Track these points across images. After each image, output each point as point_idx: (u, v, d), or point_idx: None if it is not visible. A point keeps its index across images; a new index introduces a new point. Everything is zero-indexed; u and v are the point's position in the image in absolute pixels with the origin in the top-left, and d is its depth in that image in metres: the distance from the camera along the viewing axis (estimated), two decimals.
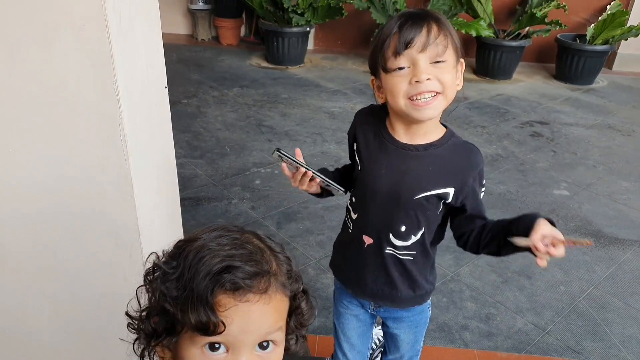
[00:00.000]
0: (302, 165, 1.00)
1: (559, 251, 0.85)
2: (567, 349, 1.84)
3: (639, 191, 2.89)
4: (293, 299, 0.61)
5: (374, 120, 1.05)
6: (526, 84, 4.62)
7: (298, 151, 1.03)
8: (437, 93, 0.91)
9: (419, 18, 0.90)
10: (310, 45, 5.08)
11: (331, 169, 1.20)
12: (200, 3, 5.08)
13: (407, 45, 0.89)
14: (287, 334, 0.63)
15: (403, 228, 1.03)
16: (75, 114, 0.97)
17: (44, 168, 1.03)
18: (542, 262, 0.87)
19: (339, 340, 1.26)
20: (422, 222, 1.03)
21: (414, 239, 1.05)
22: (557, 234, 0.87)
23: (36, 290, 1.18)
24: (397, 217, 1.02)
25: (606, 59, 4.65)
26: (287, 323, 0.62)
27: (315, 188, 1.06)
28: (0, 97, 0.96)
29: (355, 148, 1.07)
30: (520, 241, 0.90)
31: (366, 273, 1.10)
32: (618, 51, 5.02)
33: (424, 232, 1.04)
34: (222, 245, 0.57)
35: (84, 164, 1.03)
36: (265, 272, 0.56)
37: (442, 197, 1.00)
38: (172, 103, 4.11)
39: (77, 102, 0.96)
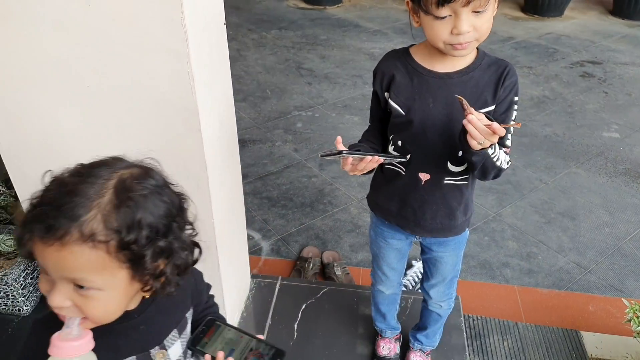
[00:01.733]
0: (368, 155, 0.98)
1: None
2: (609, 287, 1.87)
3: None
4: (124, 248, 0.60)
5: (402, 62, 1.05)
6: (579, 21, 4.36)
7: (339, 139, 0.98)
8: (475, 40, 0.95)
9: None
10: None
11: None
12: None
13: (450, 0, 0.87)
14: (157, 276, 0.65)
15: (460, 153, 1.05)
16: (144, 50, 1.02)
17: (113, 103, 1.09)
18: (473, 142, 0.88)
19: (379, 264, 1.33)
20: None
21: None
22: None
23: None
24: (453, 145, 1.04)
25: None
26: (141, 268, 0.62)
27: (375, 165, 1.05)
28: (76, 31, 1.01)
29: (389, 96, 1.07)
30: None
31: (425, 210, 1.13)
32: None
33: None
34: (58, 185, 0.61)
35: (152, 99, 1.08)
36: (66, 221, 0.57)
37: (489, 114, 1.01)
38: None
39: (145, 37, 1.01)
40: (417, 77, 1.03)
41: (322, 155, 0.99)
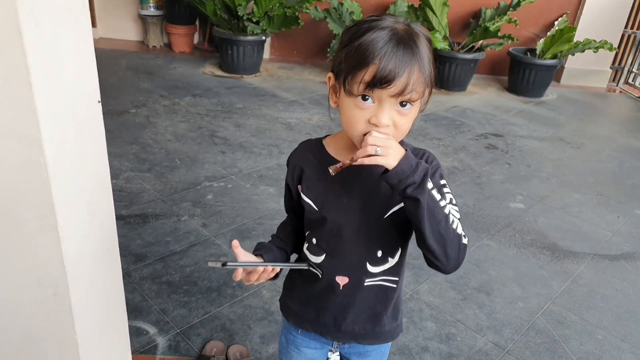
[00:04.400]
0: (259, 265, 0.89)
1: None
2: None
3: (589, 204, 2.97)
4: None
5: (314, 154, 0.96)
6: (480, 96, 4.71)
7: (235, 243, 0.87)
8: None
9: (407, 54, 0.78)
10: (266, 54, 4.99)
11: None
12: (152, 9, 4.88)
13: (382, 85, 0.77)
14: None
15: (379, 253, 0.95)
16: None
17: None
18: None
19: None
20: (398, 240, 0.96)
21: (392, 261, 0.97)
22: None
23: None
24: (371, 244, 0.94)
25: (555, 72, 4.81)
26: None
27: (272, 275, 0.94)
28: None
29: (301, 189, 0.97)
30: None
31: (346, 315, 1.00)
32: (566, 65, 5.22)
33: (400, 251, 0.97)
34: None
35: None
36: None
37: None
38: (120, 113, 3.88)
39: None
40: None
41: (209, 264, 0.88)
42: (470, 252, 2.41)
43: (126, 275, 2.08)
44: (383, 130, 0.81)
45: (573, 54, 4.73)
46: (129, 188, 2.69)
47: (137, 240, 2.29)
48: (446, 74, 4.60)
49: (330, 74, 0.87)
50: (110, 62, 4.64)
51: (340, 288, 0.97)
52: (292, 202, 1.01)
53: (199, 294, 2.03)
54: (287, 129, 3.59)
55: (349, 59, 0.80)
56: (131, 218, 2.45)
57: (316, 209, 0.94)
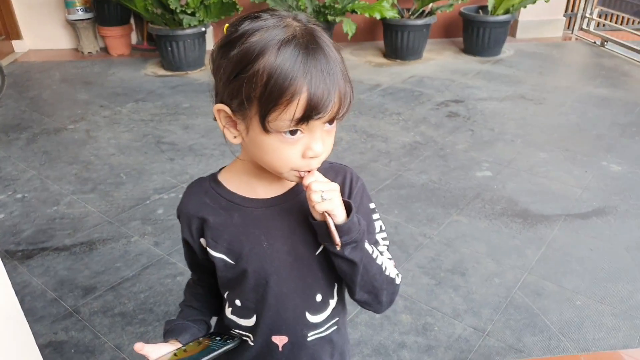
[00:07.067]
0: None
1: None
2: (509, 348, 1.73)
3: (556, 161, 2.88)
4: None
5: (211, 196, 0.78)
6: (437, 62, 4.57)
7: (139, 346, 0.71)
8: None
9: (324, 64, 0.63)
10: (209, 46, 4.71)
11: None
12: (80, 12, 4.54)
13: (317, 116, 0.63)
14: None
15: (319, 297, 0.79)
16: None
17: None
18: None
19: None
20: (334, 277, 0.79)
21: (332, 303, 0.82)
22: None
23: None
24: (308, 289, 0.78)
25: (509, 28, 4.69)
26: None
27: None
28: None
29: (207, 244, 0.78)
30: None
31: None
32: (519, 19, 5.11)
33: (339, 288, 0.83)
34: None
35: None
36: None
37: None
38: (57, 130, 3.62)
39: None
40: (237, 211, 0.76)
41: None
42: (440, 231, 2.30)
43: (75, 312, 1.90)
44: (318, 162, 0.69)
45: (525, 7, 4.61)
46: (71, 214, 2.48)
47: (84, 272, 2.11)
48: (399, 43, 4.44)
49: (220, 107, 0.67)
50: (42, 75, 4.32)
51: (280, 349, 0.81)
52: (197, 259, 0.82)
53: (156, 321, 1.87)
54: None
55: (258, 93, 0.62)
56: (76, 247, 2.25)
57: (232, 262, 0.76)
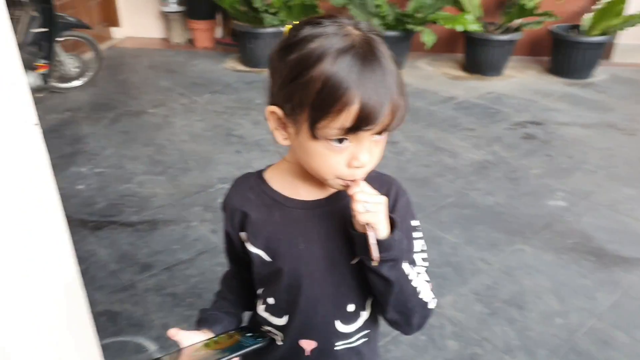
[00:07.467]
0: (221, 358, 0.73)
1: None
2: None
3: None
4: None
5: (255, 192, 0.78)
6: (518, 80, 4.34)
7: (172, 332, 0.74)
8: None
9: (380, 76, 0.62)
10: None
11: None
12: (173, 5, 4.81)
13: (366, 127, 0.62)
14: None
15: (351, 307, 0.77)
16: None
17: None
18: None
19: None
20: (368, 289, 0.77)
21: (364, 315, 0.80)
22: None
23: None
24: (340, 298, 0.77)
25: (604, 50, 4.37)
26: None
27: None
28: None
29: (247, 238, 0.78)
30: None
31: None
32: (616, 41, 4.74)
33: (373, 300, 0.80)
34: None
35: None
36: None
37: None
38: (138, 113, 3.82)
39: None
40: (279, 209, 0.76)
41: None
42: (501, 258, 2.17)
43: (131, 287, 2.00)
44: (363, 172, 0.68)
45: (624, 29, 4.27)
46: (140, 192, 2.61)
47: (144, 249, 2.21)
48: (480, 58, 4.27)
49: (273, 108, 0.67)
50: (133, 61, 4.62)
51: (307, 353, 0.80)
52: (236, 251, 0.83)
53: (202, 306, 1.91)
54: None
55: (311, 99, 0.62)
56: (141, 225, 2.37)
57: (269, 259, 0.76)
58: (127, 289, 1.99)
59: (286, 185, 0.76)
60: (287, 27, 0.68)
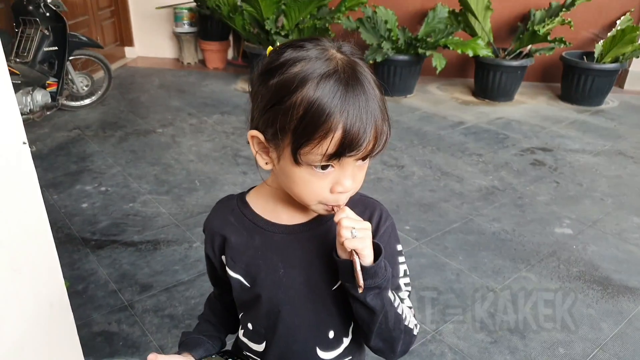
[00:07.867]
0: None
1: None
2: None
3: None
4: None
5: (235, 215, 0.77)
6: (528, 106, 4.33)
7: (152, 357, 0.71)
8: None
9: (363, 101, 0.61)
10: None
11: None
12: (186, 26, 4.92)
13: (350, 153, 0.62)
14: None
15: (331, 334, 0.76)
16: None
17: None
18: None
19: None
20: (350, 315, 0.76)
21: (346, 341, 0.79)
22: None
23: None
24: (321, 324, 0.76)
25: (616, 77, 4.34)
26: None
27: None
28: None
29: (227, 263, 0.77)
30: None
31: None
32: (630, 69, 4.71)
33: (355, 327, 0.79)
34: None
35: None
36: None
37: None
38: (147, 132, 3.87)
39: None
40: (259, 234, 0.75)
41: None
42: (505, 286, 2.13)
43: (129, 306, 1.99)
44: (347, 198, 0.67)
45: (638, 57, 4.24)
46: (144, 212, 2.63)
47: (144, 269, 2.21)
48: (490, 83, 4.27)
49: (254, 133, 0.67)
50: (144, 80, 4.71)
51: None
52: (218, 274, 0.82)
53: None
54: None
55: (293, 125, 0.61)
56: (142, 244, 2.38)
57: (248, 285, 0.76)
58: (125, 309, 1.99)
59: (268, 208, 0.76)
60: (268, 49, 0.67)
